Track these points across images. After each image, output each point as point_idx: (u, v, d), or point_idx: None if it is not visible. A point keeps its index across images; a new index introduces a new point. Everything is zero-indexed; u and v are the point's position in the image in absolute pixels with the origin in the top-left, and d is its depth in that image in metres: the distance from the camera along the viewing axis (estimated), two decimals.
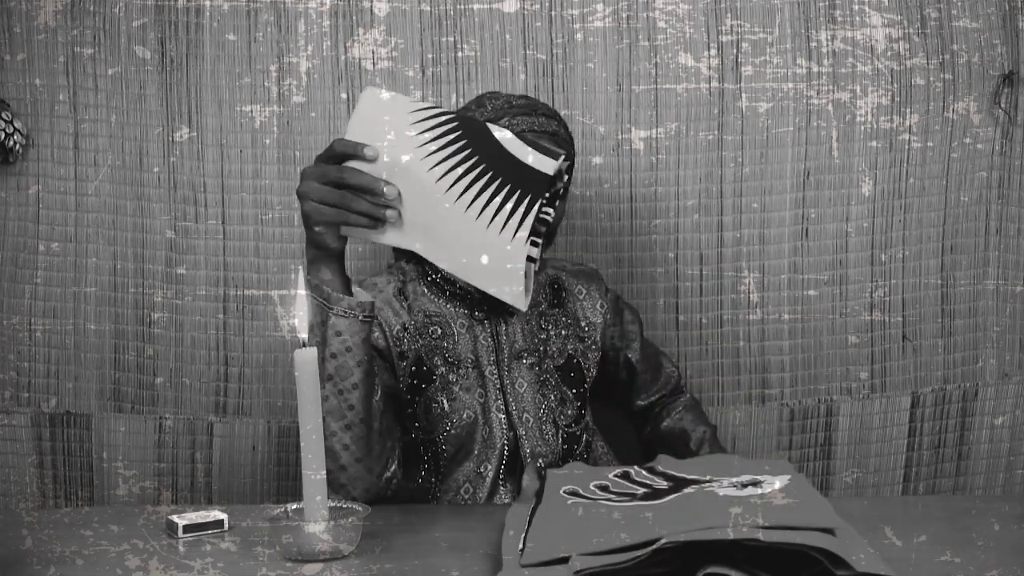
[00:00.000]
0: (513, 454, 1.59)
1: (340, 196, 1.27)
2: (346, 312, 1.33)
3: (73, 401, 1.94)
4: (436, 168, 1.28)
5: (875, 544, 1.15)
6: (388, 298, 1.63)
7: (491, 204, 1.29)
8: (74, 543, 1.25)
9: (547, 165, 1.29)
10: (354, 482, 1.38)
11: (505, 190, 1.29)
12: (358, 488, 1.39)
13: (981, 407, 1.98)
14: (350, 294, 1.36)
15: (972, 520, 1.31)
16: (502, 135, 1.29)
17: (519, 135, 1.31)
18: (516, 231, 1.29)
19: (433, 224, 1.30)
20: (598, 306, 1.72)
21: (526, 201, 1.29)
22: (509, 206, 1.29)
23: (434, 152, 1.28)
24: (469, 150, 1.29)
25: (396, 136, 1.28)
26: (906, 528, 1.26)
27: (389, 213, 1.28)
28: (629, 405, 1.81)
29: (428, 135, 1.29)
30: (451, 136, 1.29)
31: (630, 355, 1.77)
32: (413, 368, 1.59)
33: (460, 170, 1.28)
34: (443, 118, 1.29)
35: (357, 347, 1.34)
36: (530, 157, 1.29)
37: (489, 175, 1.29)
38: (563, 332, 1.68)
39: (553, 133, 1.59)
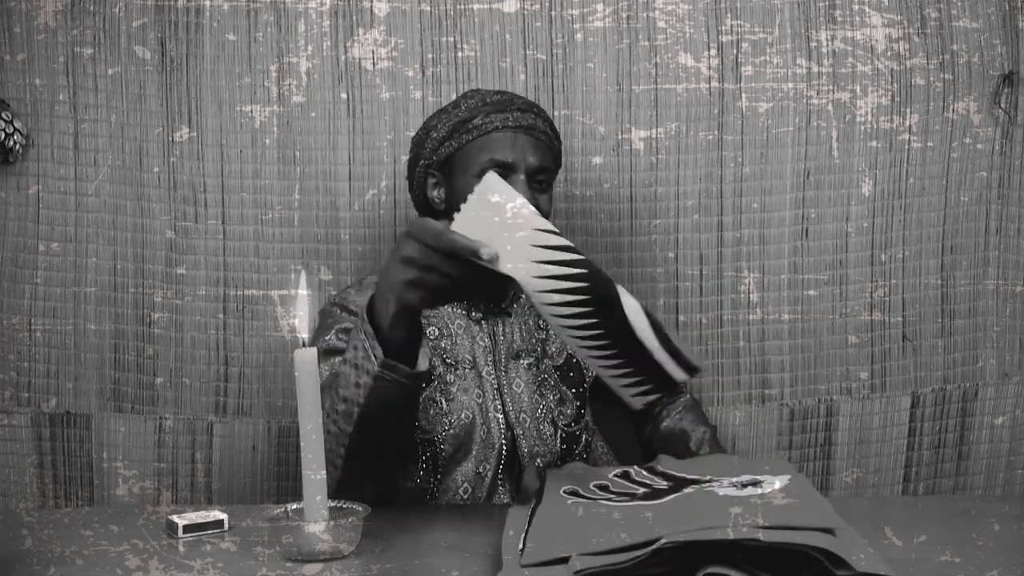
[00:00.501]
0: (511, 454, 1.59)
1: (450, 282, 1.20)
2: (402, 381, 1.28)
3: (73, 401, 1.94)
4: (558, 319, 1.20)
5: (875, 544, 1.15)
6: None
7: (611, 370, 1.23)
8: (74, 543, 1.25)
9: (679, 375, 1.21)
10: (362, 492, 1.37)
11: (629, 370, 1.22)
12: (367, 496, 1.38)
13: (981, 407, 1.98)
14: (414, 354, 1.28)
15: (972, 520, 1.31)
16: (639, 323, 1.18)
17: (651, 322, 1.20)
18: (633, 397, 1.25)
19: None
20: None
21: (649, 386, 1.23)
22: (631, 380, 1.23)
23: (556, 304, 1.19)
24: (597, 319, 1.20)
25: (514, 249, 1.18)
26: (906, 528, 1.26)
27: (485, 252, 1.18)
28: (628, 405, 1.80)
29: (551, 282, 1.19)
30: (578, 295, 1.19)
31: None
32: None
33: (582, 333, 1.20)
34: (571, 257, 1.18)
35: (399, 405, 1.31)
36: (660, 355, 1.18)
37: (614, 351, 1.21)
38: None
39: (530, 127, 1.59)
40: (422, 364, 1.28)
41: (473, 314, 1.64)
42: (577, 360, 1.68)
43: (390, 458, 1.40)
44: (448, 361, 1.60)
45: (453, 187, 1.62)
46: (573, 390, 1.66)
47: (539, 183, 1.59)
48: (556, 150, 1.64)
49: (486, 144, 1.58)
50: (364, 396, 1.28)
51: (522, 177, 1.57)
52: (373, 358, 1.26)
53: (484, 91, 1.65)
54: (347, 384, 1.30)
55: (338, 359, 1.36)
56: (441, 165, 1.63)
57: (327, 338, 1.58)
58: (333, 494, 1.33)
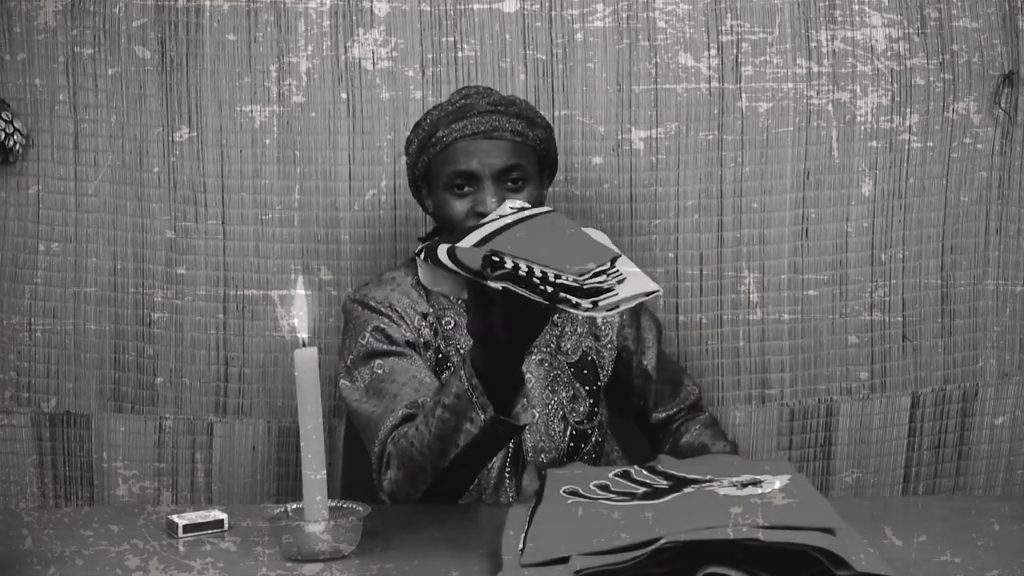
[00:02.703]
0: (517, 449, 1.60)
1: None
2: (507, 433, 1.36)
3: (73, 401, 1.94)
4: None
5: (875, 544, 1.15)
6: (407, 289, 1.65)
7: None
8: (74, 543, 1.26)
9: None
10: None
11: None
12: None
13: (981, 407, 1.98)
14: (514, 398, 1.35)
15: (972, 520, 1.31)
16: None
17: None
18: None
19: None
20: None
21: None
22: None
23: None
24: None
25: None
26: (906, 528, 1.26)
27: None
28: (646, 417, 1.78)
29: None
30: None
31: (645, 362, 1.75)
32: (436, 356, 1.61)
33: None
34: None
35: (497, 448, 1.40)
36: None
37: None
38: (579, 330, 1.68)
39: (491, 130, 1.58)
40: (525, 418, 1.34)
41: None
42: (592, 358, 1.68)
43: (470, 479, 1.48)
44: (462, 352, 1.61)
45: (433, 200, 1.64)
46: (587, 388, 1.66)
47: (513, 182, 1.59)
48: (533, 141, 1.61)
49: (448, 157, 1.59)
50: (465, 441, 1.34)
51: (488, 183, 1.57)
52: (480, 412, 1.31)
53: (452, 97, 1.66)
54: (444, 427, 1.35)
55: (430, 405, 1.40)
56: (423, 178, 1.65)
57: (362, 341, 1.59)
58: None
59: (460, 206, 1.58)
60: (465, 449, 1.35)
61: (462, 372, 1.33)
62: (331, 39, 1.91)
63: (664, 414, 1.76)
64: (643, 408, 1.77)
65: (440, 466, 1.38)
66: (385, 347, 1.57)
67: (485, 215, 1.53)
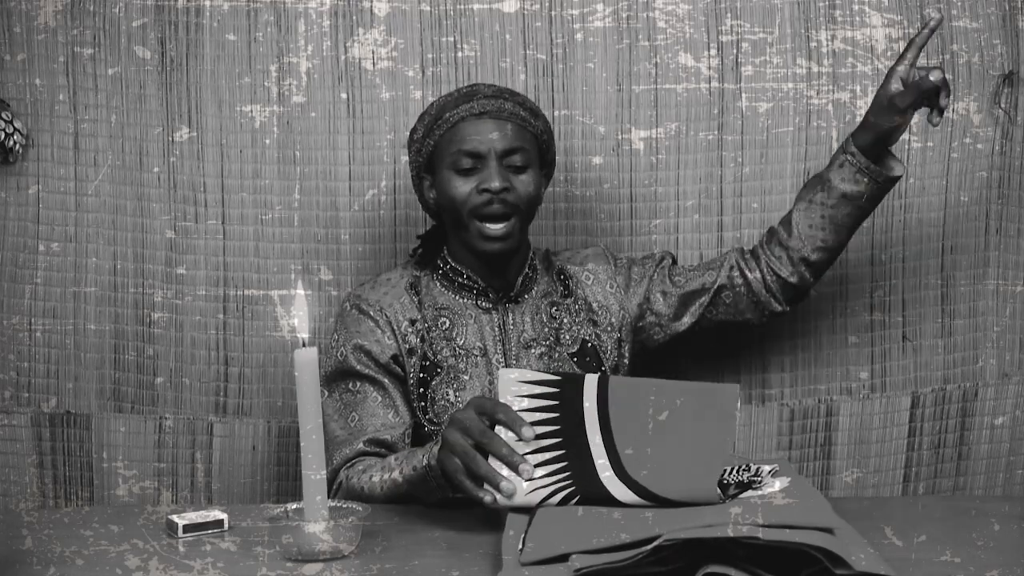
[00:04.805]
0: None
1: (471, 456, 1.28)
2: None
3: (73, 401, 1.94)
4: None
5: (875, 544, 1.15)
6: (400, 292, 1.66)
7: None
8: (74, 543, 1.26)
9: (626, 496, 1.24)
10: None
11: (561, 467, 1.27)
12: None
13: (981, 407, 1.98)
14: None
15: (972, 520, 1.32)
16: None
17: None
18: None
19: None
20: (608, 287, 1.72)
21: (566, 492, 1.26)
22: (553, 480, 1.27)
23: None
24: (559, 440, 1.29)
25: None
26: (906, 528, 1.26)
27: (504, 486, 1.25)
28: (719, 304, 1.75)
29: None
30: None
31: (664, 285, 1.73)
32: (423, 363, 1.61)
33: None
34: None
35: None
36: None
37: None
38: (576, 319, 1.69)
39: (497, 110, 1.61)
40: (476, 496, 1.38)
41: (482, 303, 1.65)
42: (593, 344, 1.68)
43: None
44: (459, 352, 1.61)
45: (437, 184, 1.65)
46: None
47: (516, 165, 1.61)
48: (534, 130, 1.64)
49: (454, 136, 1.61)
50: (415, 501, 1.42)
51: (493, 163, 1.59)
52: (439, 489, 1.37)
53: (459, 88, 1.68)
54: (398, 490, 1.43)
55: (395, 465, 1.47)
56: (427, 165, 1.67)
57: (341, 357, 1.63)
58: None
59: (465, 186, 1.60)
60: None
61: (426, 457, 1.38)
62: (331, 39, 1.92)
63: (724, 270, 1.74)
64: (707, 313, 1.74)
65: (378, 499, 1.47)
66: (361, 369, 1.61)
67: (490, 192, 1.57)
